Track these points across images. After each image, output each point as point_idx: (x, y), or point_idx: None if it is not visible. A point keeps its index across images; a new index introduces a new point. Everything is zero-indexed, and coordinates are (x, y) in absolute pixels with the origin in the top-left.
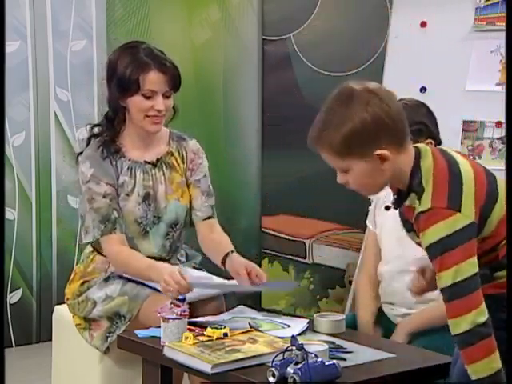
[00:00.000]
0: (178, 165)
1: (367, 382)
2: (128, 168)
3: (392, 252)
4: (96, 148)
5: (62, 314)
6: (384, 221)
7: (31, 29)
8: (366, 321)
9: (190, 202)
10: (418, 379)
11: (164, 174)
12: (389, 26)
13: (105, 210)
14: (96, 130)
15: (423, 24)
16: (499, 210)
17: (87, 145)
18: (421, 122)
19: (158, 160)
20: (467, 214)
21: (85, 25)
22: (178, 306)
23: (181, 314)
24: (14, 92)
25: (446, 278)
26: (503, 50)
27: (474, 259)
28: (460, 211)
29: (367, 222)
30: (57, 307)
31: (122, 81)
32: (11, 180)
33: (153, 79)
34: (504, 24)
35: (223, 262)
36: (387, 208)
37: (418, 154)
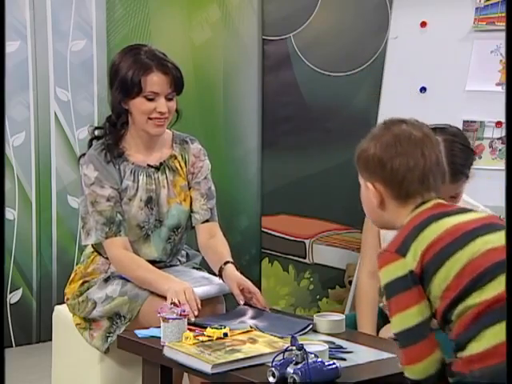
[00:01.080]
0: (181, 168)
1: (367, 382)
2: (131, 172)
3: None
4: (100, 151)
5: (61, 313)
6: None
7: (31, 29)
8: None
9: (191, 205)
10: None
11: (167, 178)
12: (389, 26)
13: (109, 212)
14: (97, 132)
15: (423, 24)
16: (442, 277)
17: (89, 147)
18: (453, 163)
19: (161, 164)
20: (410, 261)
21: (85, 25)
22: (178, 306)
23: (181, 314)
24: (14, 92)
25: (393, 326)
26: (503, 50)
27: (417, 308)
28: (404, 257)
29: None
30: (57, 307)
31: (124, 83)
32: (11, 180)
33: (155, 81)
34: (504, 24)
35: (219, 273)
36: None
37: (420, 205)
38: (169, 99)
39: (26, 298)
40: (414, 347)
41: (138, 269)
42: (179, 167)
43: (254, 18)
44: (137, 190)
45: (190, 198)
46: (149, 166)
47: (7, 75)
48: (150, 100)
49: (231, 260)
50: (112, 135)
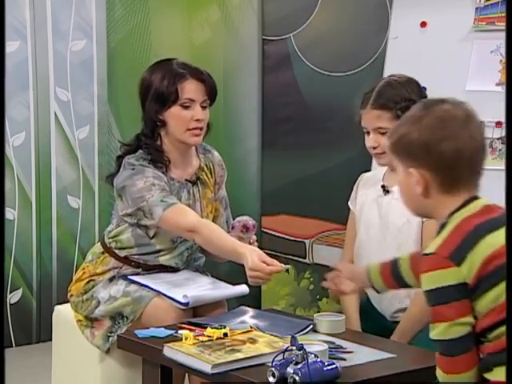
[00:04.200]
0: (209, 179)
1: (367, 381)
2: (177, 191)
3: (372, 238)
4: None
5: (62, 313)
6: (364, 201)
7: (31, 29)
8: (352, 318)
9: (214, 217)
10: (418, 379)
11: (199, 191)
12: (389, 26)
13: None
14: (127, 148)
15: (423, 24)
16: (493, 297)
17: (117, 166)
18: (409, 99)
19: (197, 178)
20: (465, 273)
21: (85, 25)
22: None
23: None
24: (14, 92)
25: (438, 334)
26: (503, 50)
27: (467, 320)
28: (459, 266)
29: (349, 202)
30: (57, 307)
31: (159, 93)
32: (11, 180)
33: (190, 88)
34: (504, 24)
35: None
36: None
37: (468, 202)
38: (203, 107)
39: (26, 297)
40: (462, 357)
41: (214, 239)
42: (207, 179)
43: (254, 18)
44: None
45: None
46: (186, 180)
47: (7, 75)
48: (186, 108)
49: None
50: (152, 147)
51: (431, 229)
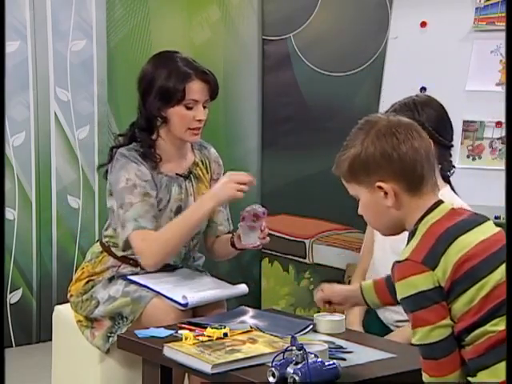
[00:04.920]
0: (204, 175)
1: (367, 381)
2: (166, 185)
3: (387, 249)
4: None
5: (62, 313)
6: None
7: (31, 29)
8: (354, 323)
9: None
10: (418, 379)
11: (193, 186)
12: (389, 26)
13: (155, 210)
14: (122, 139)
15: (423, 24)
16: (466, 300)
17: (110, 155)
18: (417, 121)
19: (189, 172)
20: (440, 276)
21: (85, 25)
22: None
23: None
24: (14, 92)
25: (419, 339)
26: (503, 50)
27: (446, 323)
28: (434, 270)
29: None
30: (57, 307)
31: (164, 91)
32: (11, 180)
33: (196, 89)
34: (504, 24)
35: (232, 240)
36: None
37: (435, 206)
38: (204, 107)
39: (26, 297)
40: (446, 359)
41: (169, 231)
42: (201, 174)
43: (254, 18)
44: (168, 201)
45: None
46: (177, 175)
47: (7, 75)
48: (189, 108)
49: None
50: (146, 142)
51: None
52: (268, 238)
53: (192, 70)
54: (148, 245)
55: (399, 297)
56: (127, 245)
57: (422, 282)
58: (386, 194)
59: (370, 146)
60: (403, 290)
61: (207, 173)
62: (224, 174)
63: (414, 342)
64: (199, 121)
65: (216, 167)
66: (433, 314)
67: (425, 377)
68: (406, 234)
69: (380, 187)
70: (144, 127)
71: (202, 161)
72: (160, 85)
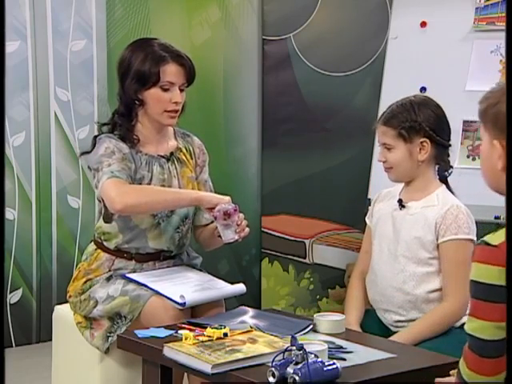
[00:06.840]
0: (188, 160)
1: (367, 381)
2: (146, 163)
3: (383, 251)
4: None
5: (62, 313)
6: (380, 215)
7: (31, 29)
8: (352, 325)
9: None
10: (418, 379)
11: (176, 168)
12: (389, 26)
13: (132, 174)
14: (105, 128)
15: (423, 24)
16: None
17: (93, 144)
18: (415, 121)
19: (171, 154)
20: None
21: (85, 25)
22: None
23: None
24: (14, 92)
25: (472, 328)
26: (503, 50)
27: (504, 324)
28: None
29: (366, 217)
30: (57, 307)
31: (140, 74)
32: (11, 180)
33: (172, 71)
34: (504, 24)
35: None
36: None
37: None
38: (181, 90)
39: (26, 297)
40: (492, 361)
41: (146, 188)
42: (185, 159)
43: (254, 18)
44: (151, 179)
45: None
46: (159, 156)
47: (7, 75)
48: (165, 90)
49: None
50: (124, 127)
51: (449, 249)
52: (247, 230)
53: (167, 53)
54: (120, 187)
55: (471, 277)
56: (104, 198)
57: (498, 275)
58: (499, 155)
59: (504, 104)
60: (480, 274)
61: (191, 158)
62: (209, 162)
63: (467, 330)
64: (176, 103)
65: (200, 153)
66: (496, 312)
67: (463, 369)
68: (404, 236)
69: (495, 146)
70: (124, 113)
71: (185, 147)
72: (136, 68)
